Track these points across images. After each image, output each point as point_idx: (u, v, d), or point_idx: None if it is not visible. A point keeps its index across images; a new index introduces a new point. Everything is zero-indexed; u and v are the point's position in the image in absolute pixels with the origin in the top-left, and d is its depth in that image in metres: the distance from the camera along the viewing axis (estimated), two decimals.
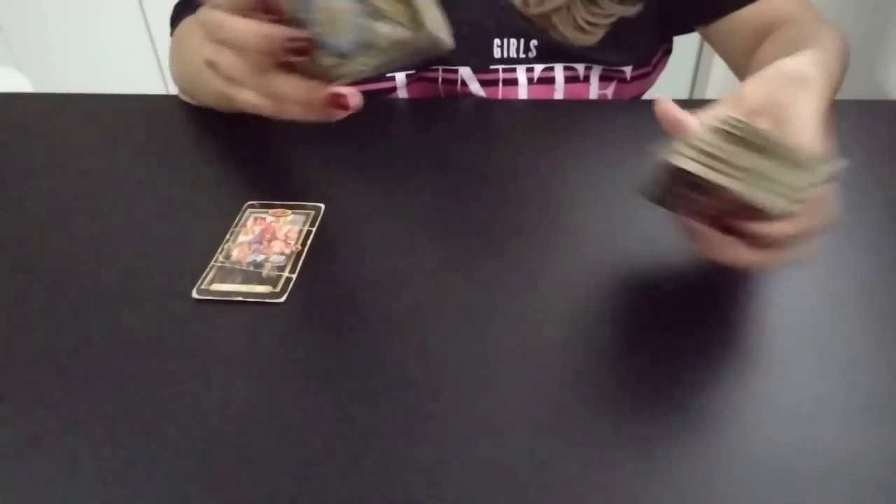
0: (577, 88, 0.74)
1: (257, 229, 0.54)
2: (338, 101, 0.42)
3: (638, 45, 0.73)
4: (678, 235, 0.51)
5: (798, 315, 0.47)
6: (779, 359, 0.44)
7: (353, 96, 0.42)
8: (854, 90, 0.75)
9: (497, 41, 0.71)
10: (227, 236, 0.54)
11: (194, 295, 0.49)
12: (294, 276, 0.50)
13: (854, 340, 0.45)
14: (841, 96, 0.70)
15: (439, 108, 0.71)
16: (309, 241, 0.54)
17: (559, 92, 0.74)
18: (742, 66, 0.71)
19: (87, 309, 0.49)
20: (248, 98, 0.44)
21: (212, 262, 0.51)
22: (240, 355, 0.45)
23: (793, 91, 0.41)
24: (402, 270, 0.51)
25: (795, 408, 0.41)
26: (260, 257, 0.52)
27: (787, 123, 0.40)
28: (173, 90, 0.75)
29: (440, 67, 0.72)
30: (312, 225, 0.55)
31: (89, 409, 0.42)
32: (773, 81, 0.41)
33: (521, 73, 0.72)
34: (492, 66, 0.72)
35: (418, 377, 0.43)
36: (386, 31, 0.40)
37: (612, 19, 0.70)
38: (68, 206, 0.59)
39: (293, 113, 0.43)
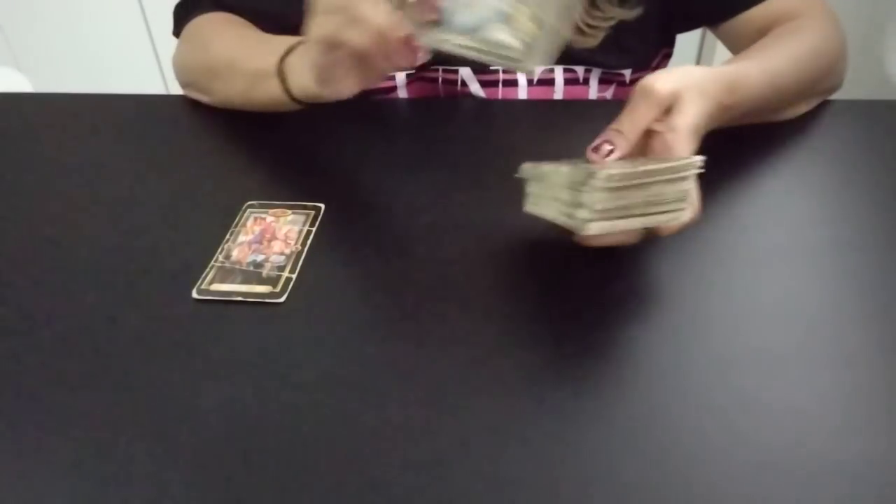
0: (576, 90, 0.74)
1: (257, 229, 0.54)
2: (410, 45, 0.47)
3: (638, 48, 0.73)
4: (673, 235, 0.51)
5: (798, 315, 0.47)
6: (778, 359, 0.44)
7: (423, 52, 0.47)
8: (860, 81, 0.75)
9: None
10: (227, 236, 0.54)
11: (194, 295, 0.49)
12: (294, 277, 0.50)
13: (854, 340, 0.45)
14: (842, 94, 0.70)
15: (439, 108, 0.71)
16: (309, 241, 0.53)
17: (559, 94, 0.74)
18: None
19: (87, 308, 0.49)
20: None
21: (212, 262, 0.51)
22: (240, 355, 0.45)
23: (691, 95, 0.49)
24: (402, 270, 0.51)
25: (795, 408, 0.41)
26: (260, 257, 0.52)
27: (672, 117, 0.48)
28: (174, 90, 0.75)
29: (440, 67, 0.72)
30: (312, 225, 0.55)
31: (88, 409, 0.42)
32: (680, 80, 0.49)
33: (520, 75, 0.72)
34: (492, 67, 0.72)
35: (419, 376, 0.43)
36: (499, 36, 0.45)
37: (612, 22, 0.70)
38: (68, 206, 0.59)
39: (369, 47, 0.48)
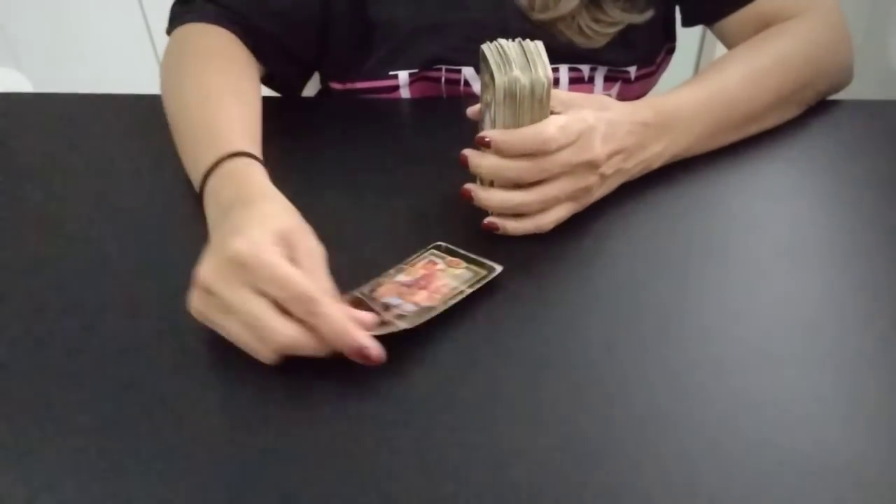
0: (580, 89, 0.74)
1: (420, 273, 0.49)
2: (361, 353, 0.40)
3: (643, 45, 0.73)
4: (673, 235, 0.51)
5: (798, 314, 0.47)
6: (779, 358, 0.44)
7: (376, 349, 0.41)
8: (863, 76, 0.74)
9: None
10: (391, 270, 0.50)
11: None
12: (401, 328, 0.43)
13: (855, 340, 0.45)
14: (845, 94, 0.70)
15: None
16: (453, 302, 0.46)
17: None
18: None
19: (87, 312, 0.49)
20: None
21: (354, 291, 0.47)
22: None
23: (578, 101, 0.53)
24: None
25: (796, 408, 0.41)
26: (396, 301, 0.46)
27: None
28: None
29: (443, 67, 0.72)
30: (472, 286, 0.48)
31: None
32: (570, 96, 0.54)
33: None
34: None
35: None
36: (490, 116, 0.51)
37: (620, 27, 0.69)
38: (68, 206, 0.59)
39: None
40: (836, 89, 0.70)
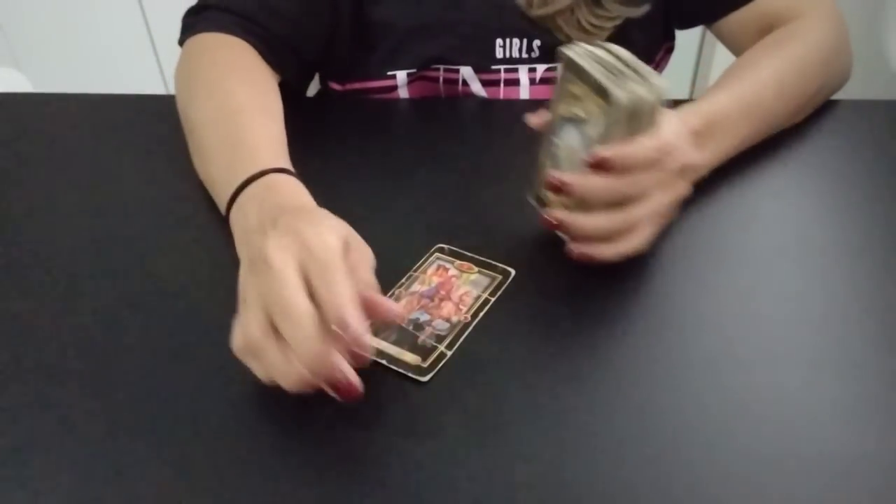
0: None
1: (435, 281, 0.49)
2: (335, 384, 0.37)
3: (642, 43, 0.73)
4: (674, 233, 0.50)
5: (798, 314, 0.47)
6: (777, 360, 0.44)
7: (354, 386, 0.37)
8: (862, 76, 0.74)
9: (499, 41, 0.71)
10: (403, 280, 0.49)
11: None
12: (449, 354, 0.44)
13: (855, 340, 0.45)
14: (845, 94, 0.70)
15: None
16: (482, 313, 0.47)
17: None
18: None
19: (87, 312, 0.49)
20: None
21: None
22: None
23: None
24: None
25: (796, 409, 0.41)
26: (424, 317, 0.46)
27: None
28: (174, 90, 0.74)
29: (441, 67, 0.72)
30: (494, 294, 0.48)
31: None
32: None
33: (522, 74, 0.72)
34: (493, 66, 0.72)
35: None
36: (596, 131, 0.45)
37: (618, 21, 0.69)
38: (67, 206, 0.59)
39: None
40: (838, 90, 0.70)
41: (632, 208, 0.46)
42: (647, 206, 0.47)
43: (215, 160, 0.55)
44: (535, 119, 0.50)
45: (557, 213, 0.47)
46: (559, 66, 0.47)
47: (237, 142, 0.54)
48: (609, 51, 0.46)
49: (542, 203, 0.51)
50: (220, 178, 0.53)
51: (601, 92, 0.43)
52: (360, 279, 0.40)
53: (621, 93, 0.42)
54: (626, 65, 0.44)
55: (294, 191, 0.49)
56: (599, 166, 0.44)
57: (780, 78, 0.61)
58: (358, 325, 0.36)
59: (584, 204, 0.46)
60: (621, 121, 0.43)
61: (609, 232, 0.47)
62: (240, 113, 0.56)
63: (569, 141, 0.47)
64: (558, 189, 0.45)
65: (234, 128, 0.55)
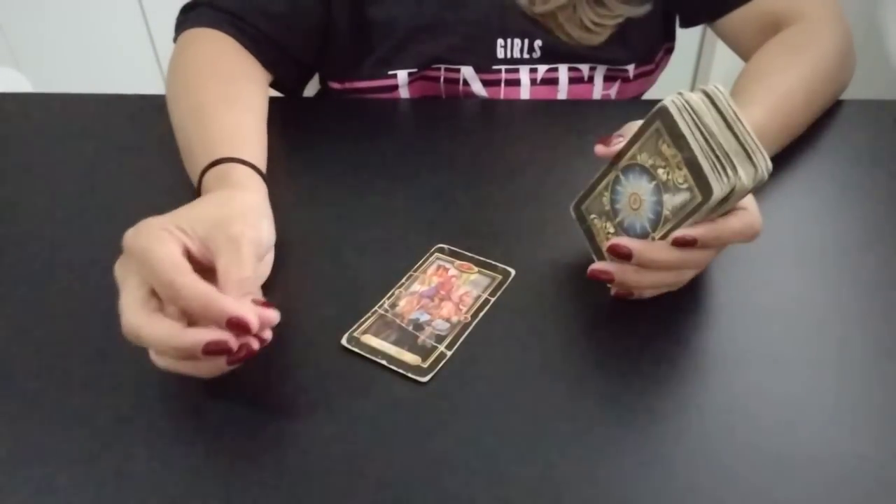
0: (580, 89, 0.74)
1: (435, 281, 0.49)
2: (238, 324, 0.37)
3: (642, 42, 0.73)
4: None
5: (798, 315, 0.47)
6: (778, 358, 0.44)
7: (254, 315, 0.38)
8: (864, 76, 0.74)
9: (500, 41, 0.71)
10: (404, 280, 0.49)
11: (343, 342, 0.45)
12: (449, 354, 0.44)
13: (854, 340, 0.45)
14: (845, 94, 0.70)
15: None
16: (482, 313, 0.47)
17: (562, 92, 0.74)
18: None
19: (87, 312, 0.49)
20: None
21: (375, 307, 0.47)
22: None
23: None
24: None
25: (796, 409, 0.41)
26: (424, 317, 0.46)
27: None
28: None
29: (442, 66, 0.72)
30: (494, 294, 0.48)
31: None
32: None
33: (523, 74, 0.72)
34: (494, 67, 0.72)
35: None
36: (673, 201, 0.42)
37: (620, 20, 0.69)
38: (68, 206, 0.58)
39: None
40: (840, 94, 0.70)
41: (687, 270, 0.46)
42: (701, 264, 0.46)
43: (186, 159, 0.56)
44: (603, 149, 0.46)
45: (605, 268, 0.45)
46: (654, 113, 0.41)
47: (195, 139, 0.55)
48: (715, 104, 0.41)
49: (583, 220, 0.49)
50: (193, 178, 0.54)
51: (696, 171, 0.40)
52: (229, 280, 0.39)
53: (719, 186, 0.39)
54: (733, 130, 0.40)
55: (219, 183, 0.49)
56: (683, 245, 0.42)
57: (808, 87, 0.61)
58: (235, 310, 0.37)
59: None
60: (711, 206, 0.40)
61: (658, 287, 0.46)
62: (201, 107, 0.57)
63: (638, 188, 0.44)
64: (624, 257, 0.43)
65: (194, 124, 0.56)
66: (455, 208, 0.56)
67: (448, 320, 0.46)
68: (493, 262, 0.51)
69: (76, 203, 0.59)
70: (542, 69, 0.72)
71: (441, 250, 0.52)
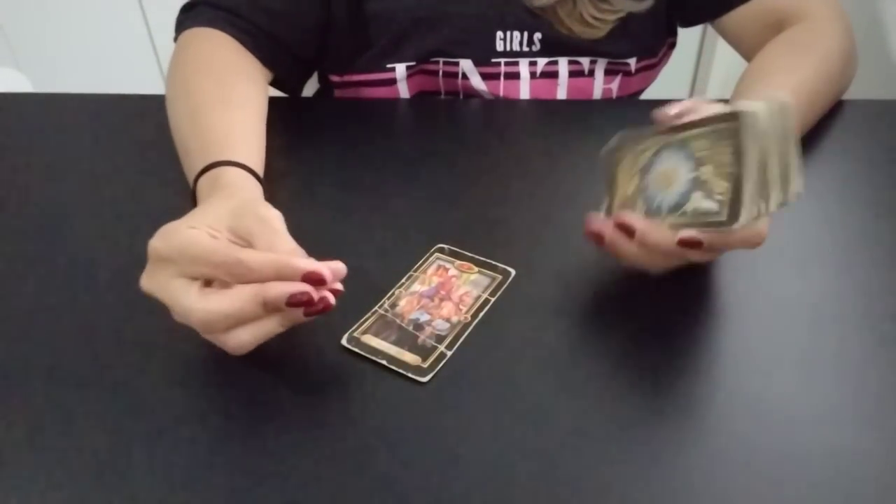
0: (580, 83, 0.74)
1: (435, 281, 0.49)
2: (314, 278, 0.39)
3: (644, 35, 0.73)
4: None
5: (798, 315, 0.47)
6: (779, 359, 0.44)
7: (327, 268, 0.39)
8: (865, 75, 0.74)
9: (500, 34, 0.70)
10: (404, 280, 0.49)
11: (343, 342, 0.45)
12: (449, 355, 0.44)
13: (854, 340, 0.45)
14: (847, 92, 0.70)
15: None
16: (482, 314, 0.47)
17: (562, 86, 0.74)
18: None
19: (86, 312, 0.49)
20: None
21: (375, 307, 0.47)
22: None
23: None
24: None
25: (796, 409, 0.41)
26: (424, 317, 0.46)
27: None
28: None
29: (441, 60, 0.71)
30: (494, 294, 0.48)
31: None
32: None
33: (523, 67, 0.72)
34: (493, 60, 0.71)
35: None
36: (702, 205, 0.42)
37: (621, 14, 0.69)
38: (67, 206, 0.58)
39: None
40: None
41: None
42: (699, 260, 0.46)
43: (182, 162, 0.56)
44: (665, 116, 0.44)
45: (605, 231, 0.45)
46: (733, 113, 0.40)
47: (190, 141, 0.55)
48: (783, 121, 0.40)
49: (612, 166, 0.48)
50: (189, 181, 0.54)
51: (736, 193, 0.40)
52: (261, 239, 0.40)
53: (746, 216, 0.40)
54: (786, 151, 0.40)
55: (212, 187, 0.49)
56: (689, 245, 0.43)
57: (812, 88, 0.61)
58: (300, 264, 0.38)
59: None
60: (728, 229, 0.41)
61: (643, 265, 0.46)
62: (198, 109, 0.57)
63: (676, 169, 0.43)
64: (628, 232, 0.44)
65: (190, 126, 0.56)
66: (455, 208, 0.56)
67: (448, 320, 0.46)
68: (493, 262, 0.50)
69: (76, 202, 0.59)
70: (541, 62, 0.72)
71: (441, 250, 0.52)
